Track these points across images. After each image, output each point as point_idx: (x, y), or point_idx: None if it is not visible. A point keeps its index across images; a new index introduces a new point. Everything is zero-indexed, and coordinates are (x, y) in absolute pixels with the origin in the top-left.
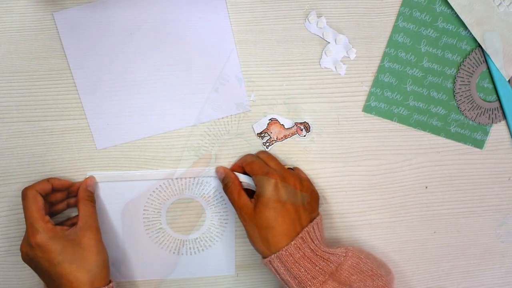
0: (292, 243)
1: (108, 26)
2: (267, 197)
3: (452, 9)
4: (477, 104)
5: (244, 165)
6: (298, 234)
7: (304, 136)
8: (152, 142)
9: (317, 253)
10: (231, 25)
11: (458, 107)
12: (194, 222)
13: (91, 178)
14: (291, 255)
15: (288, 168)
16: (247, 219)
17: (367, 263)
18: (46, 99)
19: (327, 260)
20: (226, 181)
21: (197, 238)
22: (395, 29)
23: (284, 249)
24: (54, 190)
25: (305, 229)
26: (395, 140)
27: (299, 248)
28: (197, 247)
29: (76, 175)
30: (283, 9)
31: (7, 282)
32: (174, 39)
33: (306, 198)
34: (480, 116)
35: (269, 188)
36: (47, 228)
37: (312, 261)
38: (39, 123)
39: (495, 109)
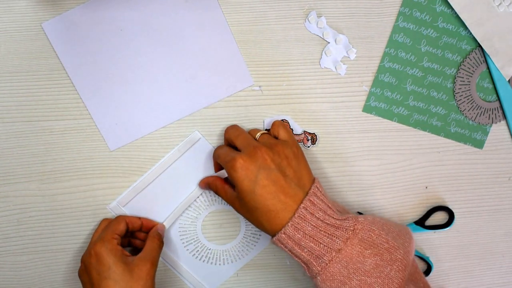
0: (289, 224)
1: (99, 26)
2: (238, 183)
3: (452, 9)
4: (477, 104)
5: (216, 161)
6: (295, 209)
7: (308, 147)
8: (152, 142)
9: (320, 228)
10: (226, 19)
11: (458, 107)
12: (229, 231)
13: (162, 225)
14: (289, 237)
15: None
16: (239, 210)
17: (381, 235)
18: (46, 99)
19: (332, 236)
20: (211, 187)
21: (234, 247)
22: (395, 29)
23: (282, 230)
24: (131, 229)
25: (301, 206)
26: (395, 140)
27: (298, 229)
28: (235, 255)
29: (76, 175)
30: (283, 9)
31: (7, 282)
32: (171, 34)
33: (283, 163)
34: (480, 116)
35: (237, 175)
36: (111, 243)
37: (314, 239)
38: (39, 123)
39: (495, 109)
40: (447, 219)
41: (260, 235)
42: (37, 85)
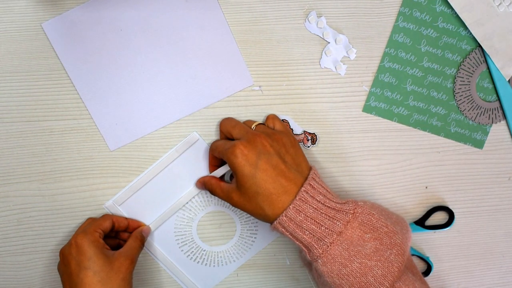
0: (291, 206)
1: (99, 26)
2: (239, 169)
3: (452, 9)
4: (477, 104)
5: (212, 154)
6: (295, 192)
7: (308, 147)
8: (152, 142)
9: (321, 211)
10: (226, 19)
11: (458, 107)
12: (224, 233)
13: (148, 228)
14: (291, 220)
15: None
16: (238, 202)
17: (380, 219)
18: (46, 99)
19: (332, 219)
20: (207, 186)
21: (229, 249)
22: (395, 29)
23: (283, 213)
24: (117, 229)
25: (302, 189)
26: (395, 140)
27: (299, 211)
28: (229, 257)
29: (76, 175)
30: (283, 9)
31: (6, 282)
32: (170, 34)
33: (282, 150)
34: (480, 116)
35: (237, 160)
36: (93, 235)
37: (316, 221)
38: (39, 123)
39: (495, 109)
40: (447, 219)
41: (255, 237)
42: (37, 85)
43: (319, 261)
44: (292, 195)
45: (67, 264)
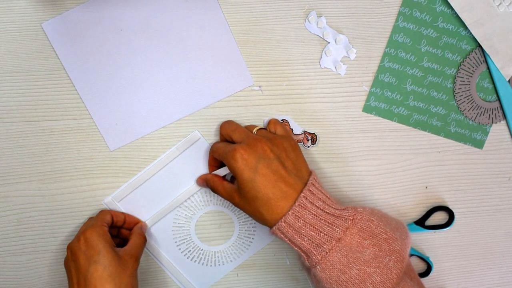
0: (290, 212)
1: (99, 26)
2: (239, 173)
3: (452, 9)
4: (477, 104)
5: (213, 156)
6: (295, 198)
7: (308, 147)
8: (152, 142)
9: (320, 217)
10: (226, 19)
11: (458, 107)
12: (223, 233)
13: (145, 224)
14: (290, 226)
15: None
16: (239, 203)
17: (380, 226)
18: (46, 99)
19: (332, 225)
20: (209, 184)
21: (226, 249)
22: (395, 29)
23: (282, 219)
24: (115, 223)
25: (301, 195)
26: (395, 140)
27: (298, 217)
28: (227, 257)
29: (76, 175)
30: (283, 9)
31: (6, 282)
32: (170, 34)
33: (282, 155)
34: (480, 116)
35: (237, 164)
36: (102, 229)
37: (315, 228)
38: (39, 123)
39: (495, 109)
40: (447, 219)
41: (253, 238)
42: (37, 85)
43: (318, 267)
44: (292, 200)
45: (75, 259)
